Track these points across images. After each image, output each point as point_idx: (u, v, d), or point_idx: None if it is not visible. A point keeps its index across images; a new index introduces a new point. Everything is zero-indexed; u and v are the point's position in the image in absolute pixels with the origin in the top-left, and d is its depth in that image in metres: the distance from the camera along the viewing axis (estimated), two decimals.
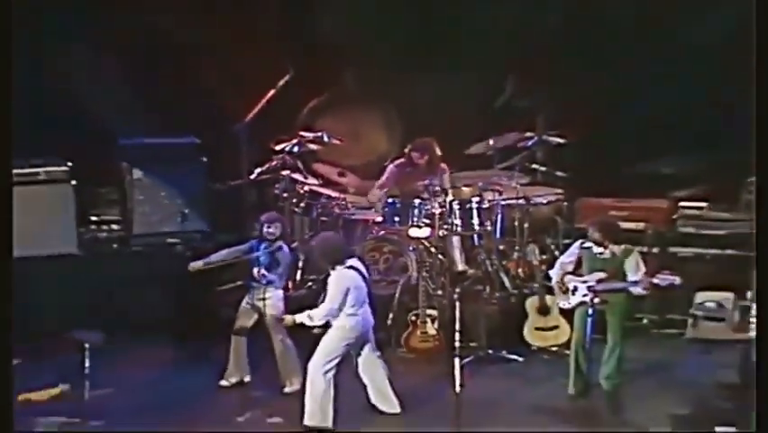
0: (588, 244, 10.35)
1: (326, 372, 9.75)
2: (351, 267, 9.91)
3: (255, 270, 10.61)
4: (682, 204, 12.50)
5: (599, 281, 10.11)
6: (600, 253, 10.28)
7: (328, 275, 9.96)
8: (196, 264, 10.74)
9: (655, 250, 12.04)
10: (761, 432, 7.36)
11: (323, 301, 9.91)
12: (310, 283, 11.96)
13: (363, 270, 10.03)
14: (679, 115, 12.81)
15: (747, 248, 11.75)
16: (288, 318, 10.13)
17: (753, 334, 9.80)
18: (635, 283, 10.13)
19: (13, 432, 7.27)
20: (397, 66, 13.44)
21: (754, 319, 9.92)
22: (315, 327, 9.90)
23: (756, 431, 7.42)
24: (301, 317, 9.92)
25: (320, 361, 9.79)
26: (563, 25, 13.11)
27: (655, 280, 10.09)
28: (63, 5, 13.01)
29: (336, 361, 9.80)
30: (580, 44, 13.13)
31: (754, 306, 10.07)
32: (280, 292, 10.70)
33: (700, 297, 10.30)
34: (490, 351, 11.30)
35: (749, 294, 10.44)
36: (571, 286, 10.31)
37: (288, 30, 13.45)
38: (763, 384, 7.45)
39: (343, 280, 9.82)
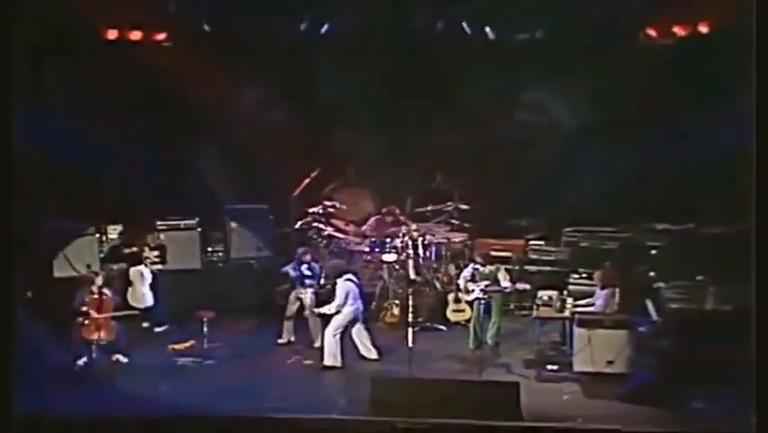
0: (477, 265, 10.47)
1: (335, 335, 9.87)
2: (348, 279, 10.07)
3: (306, 280, 10.61)
4: (531, 242, 12.23)
5: (486, 286, 10.25)
6: (484, 270, 10.40)
7: (335, 283, 10.13)
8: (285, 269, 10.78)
9: (517, 267, 11.78)
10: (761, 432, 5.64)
11: (334, 299, 10.02)
12: (328, 286, 11.35)
13: (356, 279, 10.17)
14: (531, 190, 12.45)
15: (564, 266, 11.72)
16: (317, 310, 10.23)
17: (566, 313, 9.82)
18: (505, 287, 10.30)
19: (12, 432, 6.23)
20: (377, 162, 13.13)
21: (567, 306, 9.91)
22: (331, 314, 10.00)
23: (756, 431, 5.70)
24: (324, 310, 10.06)
25: (332, 329, 9.90)
26: (467, 142, 12.84)
27: (517, 285, 10.33)
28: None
29: (341, 330, 9.93)
30: (478, 154, 12.85)
31: (577, 300, 10.07)
32: (312, 290, 10.65)
33: (540, 293, 10.21)
34: (428, 324, 11.20)
35: (565, 292, 10.33)
36: (470, 288, 10.42)
37: (316, 143, 13.15)
38: (763, 384, 5.64)
39: (344, 287, 9.98)
